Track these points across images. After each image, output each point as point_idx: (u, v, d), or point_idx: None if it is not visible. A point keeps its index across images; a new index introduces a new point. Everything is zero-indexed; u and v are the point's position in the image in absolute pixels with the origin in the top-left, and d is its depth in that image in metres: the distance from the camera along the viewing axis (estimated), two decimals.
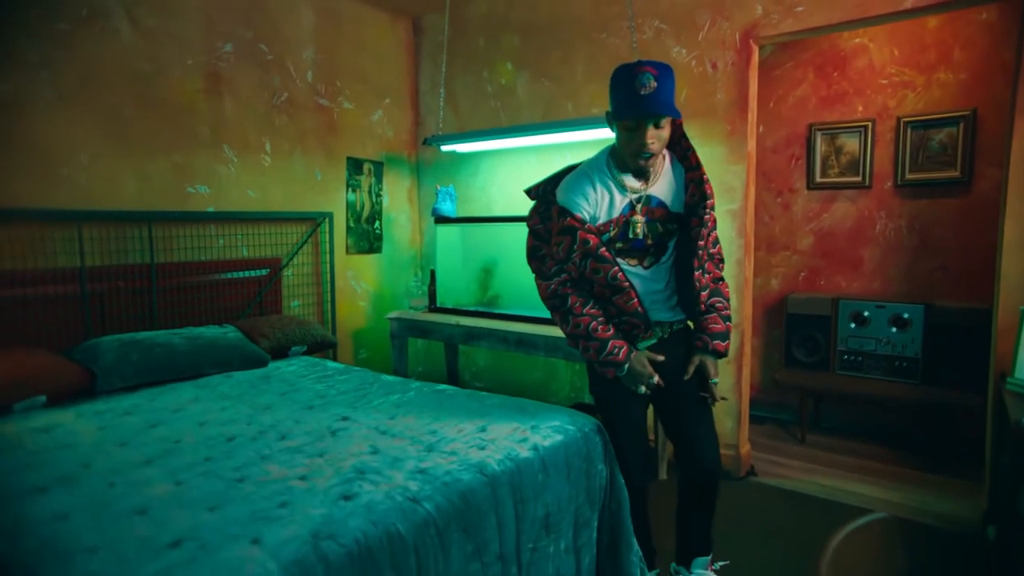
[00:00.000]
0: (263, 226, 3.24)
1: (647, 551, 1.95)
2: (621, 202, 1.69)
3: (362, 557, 1.21)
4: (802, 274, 3.85)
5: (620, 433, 1.86)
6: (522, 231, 1.90)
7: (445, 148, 3.39)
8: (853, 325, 3.50)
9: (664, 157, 1.74)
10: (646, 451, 1.92)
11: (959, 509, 2.63)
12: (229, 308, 3.05)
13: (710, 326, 1.78)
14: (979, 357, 2.88)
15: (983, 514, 2.44)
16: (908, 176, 3.46)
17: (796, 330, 3.68)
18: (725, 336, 1.80)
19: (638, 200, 1.69)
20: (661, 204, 1.72)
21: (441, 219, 3.36)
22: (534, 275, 1.85)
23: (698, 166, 1.71)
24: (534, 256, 1.84)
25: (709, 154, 2.87)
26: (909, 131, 3.43)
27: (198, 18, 2.93)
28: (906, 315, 3.35)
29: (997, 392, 2.30)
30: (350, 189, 3.70)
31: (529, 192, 1.84)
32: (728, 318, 1.82)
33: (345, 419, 1.96)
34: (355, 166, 3.71)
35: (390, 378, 2.50)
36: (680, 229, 1.75)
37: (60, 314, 2.48)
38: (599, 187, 1.69)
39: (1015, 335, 2.22)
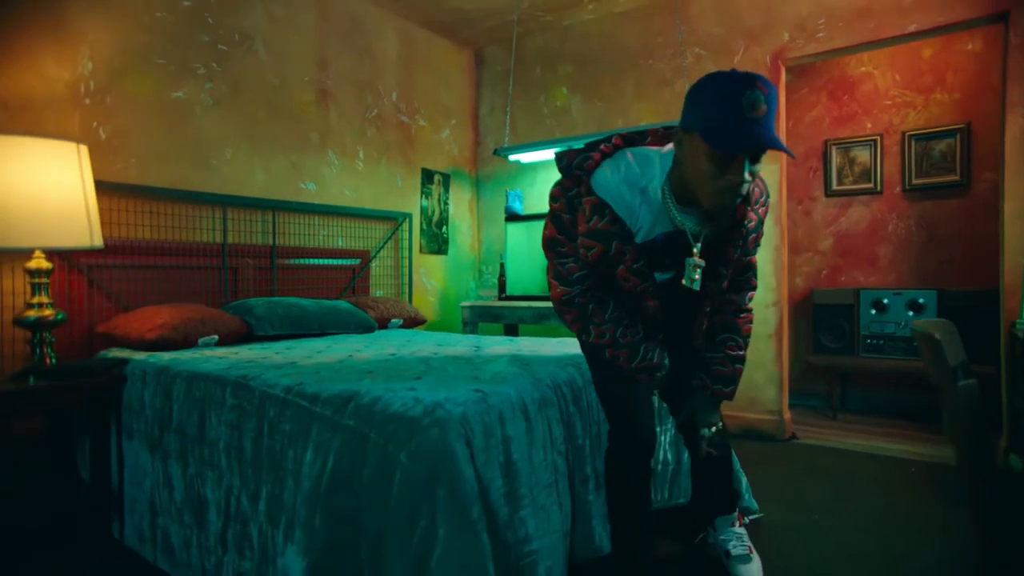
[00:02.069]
0: (356, 221, 3.69)
1: (638, 540, 1.62)
2: (659, 230, 1.40)
3: (555, 390, 1.61)
4: (824, 272, 4.31)
5: (622, 409, 1.59)
6: None
7: (512, 157, 3.90)
8: (874, 312, 3.94)
9: None
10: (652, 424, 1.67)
11: None
12: (328, 290, 3.47)
13: (714, 368, 1.55)
14: (987, 333, 3.31)
15: (1004, 449, 2.82)
16: (914, 182, 3.98)
17: (823, 319, 4.11)
18: (730, 381, 1.54)
19: (696, 238, 1.39)
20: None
21: (512, 216, 3.83)
22: (548, 268, 1.52)
23: (743, 222, 1.41)
24: (552, 249, 1.49)
25: None
26: (913, 143, 3.97)
27: (313, 44, 3.47)
28: (921, 300, 3.80)
29: (1010, 337, 2.73)
30: (423, 196, 4.18)
31: (560, 159, 1.45)
32: (739, 360, 1.55)
33: (476, 347, 2.37)
34: (428, 176, 4.21)
35: (493, 335, 2.90)
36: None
37: (205, 280, 2.89)
38: (645, 207, 1.37)
39: (1020, 289, 2.67)
